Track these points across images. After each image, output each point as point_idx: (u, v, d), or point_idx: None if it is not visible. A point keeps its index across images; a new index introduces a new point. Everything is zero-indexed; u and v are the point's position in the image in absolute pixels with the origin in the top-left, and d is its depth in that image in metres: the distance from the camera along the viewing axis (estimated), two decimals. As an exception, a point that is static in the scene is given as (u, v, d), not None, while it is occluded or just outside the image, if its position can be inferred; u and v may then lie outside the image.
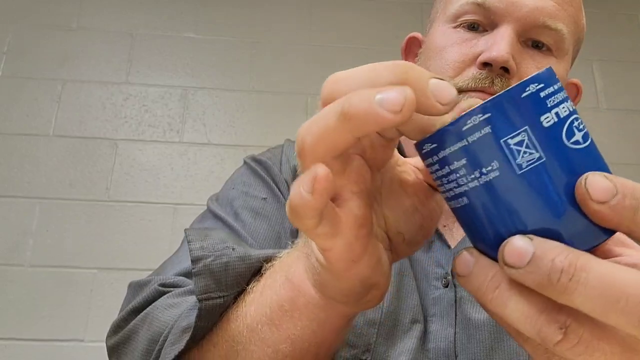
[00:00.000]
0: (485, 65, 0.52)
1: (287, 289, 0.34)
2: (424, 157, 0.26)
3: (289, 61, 1.85)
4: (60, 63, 1.76)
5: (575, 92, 0.65)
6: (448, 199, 0.26)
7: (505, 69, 0.52)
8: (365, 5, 1.94)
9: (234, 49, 1.85)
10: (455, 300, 0.51)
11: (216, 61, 1.83)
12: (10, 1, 1.80)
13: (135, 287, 0.51)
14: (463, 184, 0.25)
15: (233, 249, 0.43)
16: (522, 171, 0.23)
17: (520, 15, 0.53)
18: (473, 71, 0.53)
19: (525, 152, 0.23)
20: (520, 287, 0.23)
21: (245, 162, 0.64)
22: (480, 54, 0.53)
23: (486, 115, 0.23)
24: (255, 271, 0.42)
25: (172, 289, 0.48)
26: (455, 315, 0.50)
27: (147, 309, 0.47)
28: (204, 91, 1.79)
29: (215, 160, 1.71)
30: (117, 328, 0.49)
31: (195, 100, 1.78)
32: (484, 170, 0.24)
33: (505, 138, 0.23)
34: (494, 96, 0.23)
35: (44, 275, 1.54)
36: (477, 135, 0.23)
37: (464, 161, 0.24)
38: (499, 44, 0.52)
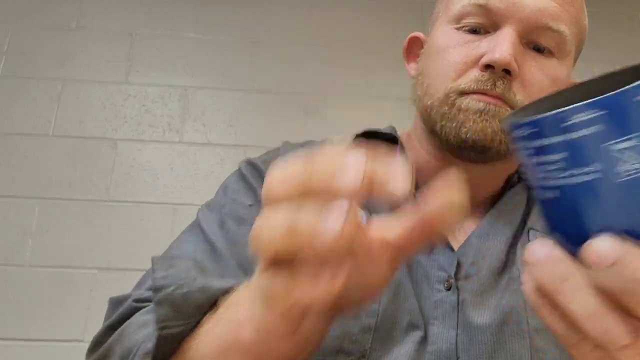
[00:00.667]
0: (488, 67, 0.52)
1: (241, 333, 0.35)
2: (516, 139, 0.25)
3: (289, 61, 1.85)
4: (60, 63, 1.76)
5: None
6: (535, 187, 0.25)
7: (507, 71, 0.52)
8: (365, 5, 1.93)
9: (234, 49, 1.85)
10: (458, 303, 0.51)
11: (216, 61, 1.82)
12: (10, 1, 1.80)
13: (114, 304, 0.52)
14: (556, 178, 0.23)
15: (194, 280, 0.44)
16: (623, 179, 0.22)
17: (522, 16, 0.53)
18: (475, 73, 0.53)
19: (630, 160, 0.22)
20: (593, 283, 0.23)
21: (238, 167, 0.64)
22: (482, 56, 0.53)
23: (598, 113, 0.22)
24: (215, 302, 0.43)
25: (146, 303, 0.49)
26: (457, 317, 0.50)
27: (122, 325, 0.47)
28: (203, 91, 1.79)
29: (215, 160, 1.71)
30: (95, 345, 0.49)
31: (195, 100, 1.78)
32: (584, 169, 0.22)
33: (613, 142, 0.22)
34: (607, 94, 0.21)
35: (44, 276, 1.54)
36: (583, 132, 0.22)
37: (562, 155, 0.23)
38: (501, 45, 0.52)
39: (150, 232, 1.61)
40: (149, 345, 0.42)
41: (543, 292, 0.24)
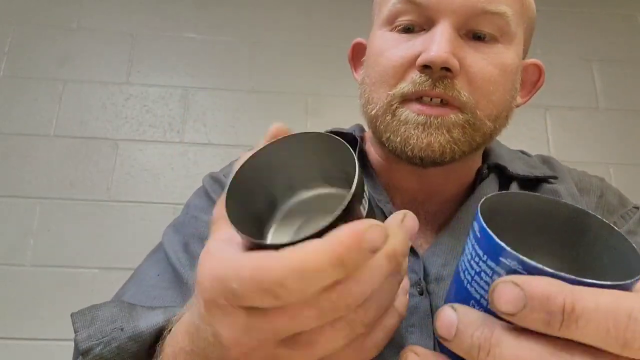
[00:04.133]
0: (425, 67, 0.48)
1: None
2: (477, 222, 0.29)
3: (289, 61, 1.85)
4: (61, 63, 1.76)
5: (537, 74, 0.60)
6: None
7: (447, 69, 0.48)
8: (365, 5, 1.93)
9: (234, 49, 1.85)
10: (432, 310, 0.48)
11: (216, 61, 1.83)
12: (10, 1, 1.81)
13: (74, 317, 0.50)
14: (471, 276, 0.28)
15: (122, 329, 0.43)
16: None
17: (455, 6, 0.49)
18: (413, 75, 0.50)
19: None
20: (519, 330, 0.23)
21: (202, 182, 0.62)
22: (418, 55, 0.49)
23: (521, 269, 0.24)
24: (151, 344, 0.42)
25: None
26: (432, 325, 0.49)
27: None
28: (204, 91, 1.80)
29: (216, 160, 1.72)
30: None
31: (196, 101, 1.78)
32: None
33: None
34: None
35: (45, 275, 1.54)
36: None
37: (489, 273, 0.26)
38: (436, 43, 0.48)
39: (150, 232, 1.61)
40: None
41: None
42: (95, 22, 1.83)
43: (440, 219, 0.57)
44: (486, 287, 0.25)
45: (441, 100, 0.49)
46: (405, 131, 0.49)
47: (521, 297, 0.22)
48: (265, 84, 1.82)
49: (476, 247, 0.26)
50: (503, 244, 0.24)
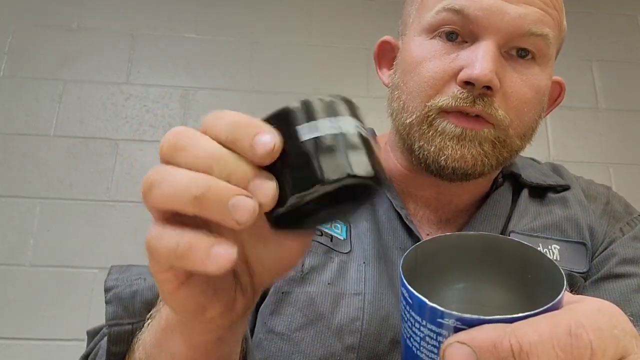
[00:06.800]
0: (467, 83, 0.49)
1: (166, 309, 0.37)
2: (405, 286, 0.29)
3: (289, 61, 1.85)
4: (61, 63, 1.76)
5: (558, 91, 0.62)
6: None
7: (488, 87, 0.49)
8: (365, 5, 1.94)
9: (234, 49, 1.85)
10: None
11: (216, 61, 1.83)
12: (10, 1, 1.81)
13: (90, 336, 0.52)
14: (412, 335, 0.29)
15: (145, 280, 0.46)
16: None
17: (502, 25, 0.49)
18: (454, 89, 0.50)
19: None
20: None
21: None
22: (460, 70, 0.50)
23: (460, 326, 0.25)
24: None
25: None
26: None
27: (94, 350, 0.49)
28: (204, 91, 1.80)
29: (216, 160, 1.72)
30: None
31: (196, 101, 1.79)
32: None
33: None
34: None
35: (45, 275, 1.54)
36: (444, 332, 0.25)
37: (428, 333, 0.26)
38: (481, 61, 0.48)
39: (151, 231, 1.62)
40: (104, 344, 0.44)
41: None
42: (95, 22, 1.83)
43: (454, 226, 0.58)
44: (435, 351, 0.25)
45: (476, 114, 0.50)
46: (441, 141, 0.51)
47: (470, 354, 0.23)
48: (265, 84, 1.82)
49: (412, 313, 0.26)
50: (436, 306, 0.24)
